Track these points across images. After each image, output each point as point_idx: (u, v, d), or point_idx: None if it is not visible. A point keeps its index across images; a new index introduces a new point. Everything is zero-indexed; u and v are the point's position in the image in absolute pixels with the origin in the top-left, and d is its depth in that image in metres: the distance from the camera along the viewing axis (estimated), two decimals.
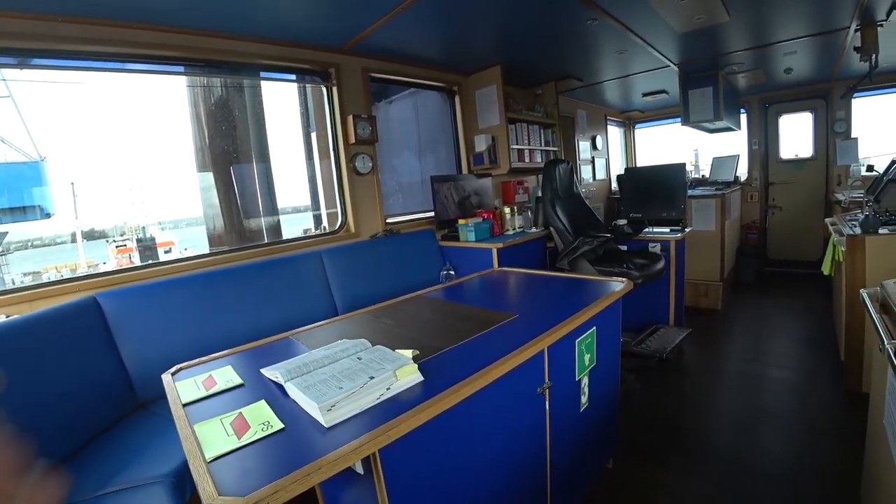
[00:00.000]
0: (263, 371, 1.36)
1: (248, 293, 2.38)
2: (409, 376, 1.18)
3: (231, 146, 3.74)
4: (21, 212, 3.47)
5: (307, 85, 3.04)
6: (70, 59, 2.12)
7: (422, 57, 3.28)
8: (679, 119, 4.61)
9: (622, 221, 3.67)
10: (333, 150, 2.98)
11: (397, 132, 4.02)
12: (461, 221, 3.25)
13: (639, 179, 3.98)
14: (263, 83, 3.66)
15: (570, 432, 1.67)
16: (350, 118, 2.89)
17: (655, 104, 5.82)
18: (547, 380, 1.47)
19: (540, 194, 3.39)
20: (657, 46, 3.40)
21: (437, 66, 3.55)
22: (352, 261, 2.82)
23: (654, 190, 3.73)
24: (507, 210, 3.50)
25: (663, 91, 5.06)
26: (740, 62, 4.01)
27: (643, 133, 6.92)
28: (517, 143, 3.80)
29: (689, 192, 4.47)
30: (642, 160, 6.98)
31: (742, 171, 5.66)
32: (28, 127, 3.51)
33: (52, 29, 1.98)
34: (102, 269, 4.46)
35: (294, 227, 4.09)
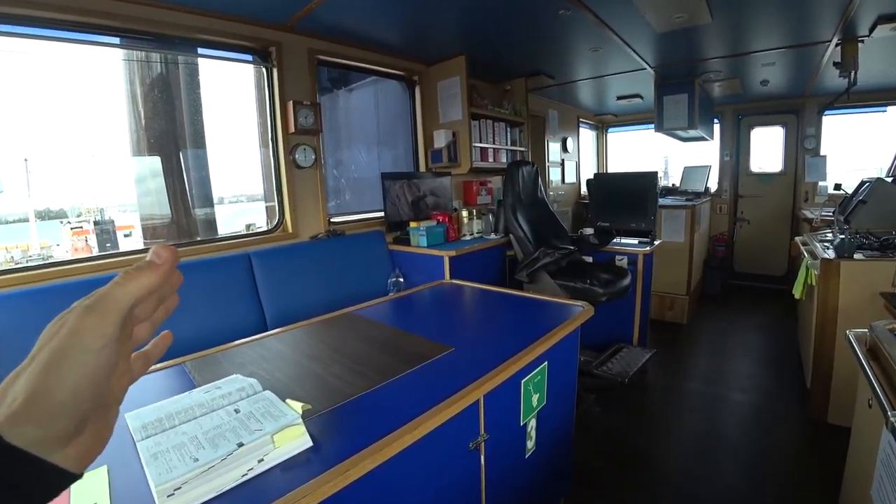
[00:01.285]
0: (128, 417, 1.07)
1: None
2: (293, 442, 0.90)
3: (168, 129, 3.36)
4: None
5: (249, 65, 2.70)
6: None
7: (378, 40, 2.95)
8: (652, 125, 4.45)
9: (589, 230, 3.47)
10: (272, 139, 2.63)
11: (356, 123, 3.69)
12: (413, 224, 2.94)
13: (609, 187, 3.79)
14: (209, 61, 3.29)
15: (513, 483, 1.43)
16: (290, 105, 2.54)
17: (630, 108, 5.66)
18: (483, 432, 1.22)
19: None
20: (634, 45, 3.19)
21: (396, 53, 3.22)
22: (287, 265, 2.47)
23: (624, 198, 3.54)
24: (464, 213, 3.22)
25: (638, 95, 4.89)
26: (718, 70, 3.86)
27: (616, 137, 6.75)
28: (481, 141, 3.52)
29: (660, 200, 4.32)
30: (614, 164, 6.81)
31: (713, 182, 5.57)
32: None
33: None
34: (56, 251, 4.02)
35: (239, 218, 3.73)
